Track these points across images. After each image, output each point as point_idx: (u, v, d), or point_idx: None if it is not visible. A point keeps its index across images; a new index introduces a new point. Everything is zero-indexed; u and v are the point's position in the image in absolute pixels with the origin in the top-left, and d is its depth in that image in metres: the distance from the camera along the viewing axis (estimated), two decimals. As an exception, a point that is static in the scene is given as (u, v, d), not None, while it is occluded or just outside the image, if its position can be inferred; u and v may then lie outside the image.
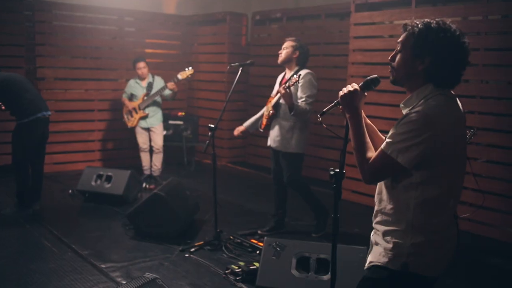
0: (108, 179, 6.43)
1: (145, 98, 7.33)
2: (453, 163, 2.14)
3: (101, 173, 6.51)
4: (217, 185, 5.03)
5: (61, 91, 8.26)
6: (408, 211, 2.14)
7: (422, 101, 2.14)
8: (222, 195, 6.67)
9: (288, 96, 4.87)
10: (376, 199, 2.32)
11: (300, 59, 5.27)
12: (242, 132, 5.68)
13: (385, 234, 2.22)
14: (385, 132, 2.53)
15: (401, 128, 2.10)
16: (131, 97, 7.48)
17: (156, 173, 7.64)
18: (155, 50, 9.30)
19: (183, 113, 8.67)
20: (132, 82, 7.56)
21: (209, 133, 4.90)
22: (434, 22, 2.14)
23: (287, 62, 5.28)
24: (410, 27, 2.18)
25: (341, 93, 2.30)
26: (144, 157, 7.65)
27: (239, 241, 5.05)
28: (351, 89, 2.28)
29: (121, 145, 8.75)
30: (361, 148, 2.21)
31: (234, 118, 9.17)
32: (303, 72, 5.11)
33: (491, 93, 5.57)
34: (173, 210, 5.13)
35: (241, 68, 5.10)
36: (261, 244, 4.90)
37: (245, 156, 9.35)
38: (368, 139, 2.25)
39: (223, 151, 9.10)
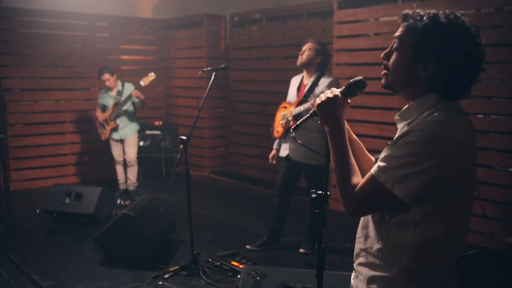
0: (78, 197, 5.93)
1: (115, 108, 6.91)
2: (462, 195, 1.68)
3: (70, 190, 6.01)
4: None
5: (29, 102, 7.75)
6: (403, 254, 1.68)
7: (424, 114, 1.67)
8: (202, 209, 6.25)
9: None
10: (359, 234, 1.86)
11: (321, 65, 4.88)
12: (275, 155, 5.19)
13: (370, 280, 1.76)
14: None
15: (399, 150, 1.63)
16: (104, 108, 7.06)
17: (131, 187, 7.19)
18: (131, 57, 8.83)
19: (160, 122, 8.20)
20: (102, 92, 7.12)
21: (181, 146, 4.44)
22: (443, 15, 1.66)
23: (308, 66, 4.87)
24: (411, 20, 1.70)
25: (318, 101, 1.84)
26: (120, 170, 7.21)
27: (218, 263, 4.60)
28: (330, 95, 1.81)
29: (95, 158, 8.24)
30: (344, 172, 1.75)
31: (215, 125, 8.74)
32: (326, 81, 4.76)
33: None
34: (145, 232, 4.66)
35: (214, 73, 4.65)
36: (243, 266, 4.47)
37: (228, 165, 8.88)
38: (353, 160, 1.78)
39: (204, 161, 8.64)
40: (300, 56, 4.92)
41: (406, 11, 1.74)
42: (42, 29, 7.79)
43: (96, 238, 4.78)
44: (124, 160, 7.16)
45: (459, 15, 1.67)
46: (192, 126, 4.60)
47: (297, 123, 1.97)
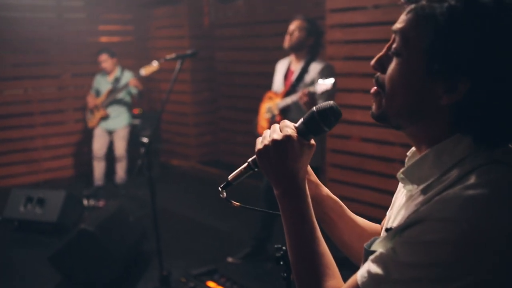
0: (40, 202, 5.24)
1: (109, 95, 6.41)
2: None
3: (32, 195, 5.31)
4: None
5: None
6: None
7: (451, 174, 0.90)
8: (181, 209, 5.65)
9: (313, 105, 3.62)
10: None
11: (313, 47, 4.13)
12: None
13: None
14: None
15: (410, 252, 0.86)
16: (97, 94, 6.56)
17: (119, 181, 6.65)
18: (110, 38, 8.06)
19: (140, 110, 7.45)
20: (98, 76, 6.63)
21: (142, 150, 3.74)
22: None
23: (297, 50, 4.13)
24: (422, 2, 0.91)
25: (259, 145, 1.09)
26: (98, 166, 6.59)
27: (192, 285, 3.93)
28: (278, 137, 1.06)
29: (70, 152, 7.51)
30: (308, 270, 1.03)
31: (201, 111, 7.99)
32: (318, 67, 4.01)
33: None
34: (106, 250, 3.98)
35: (180, 61, 3.92)
36: (220, 288, 3.81)
37: (217, 154, 8.14)
38: (324, 247, 1.05)
39: (190, 150, 7.91)
40: (288, 37, 4.18)
41: None
42: (4, 11, 7.00)
43: (50, 257, 4.10)
44: (104, 155, 6.57)
45: None
46: (157, 124, 3.89)
47: (229, 179, 1.22)
